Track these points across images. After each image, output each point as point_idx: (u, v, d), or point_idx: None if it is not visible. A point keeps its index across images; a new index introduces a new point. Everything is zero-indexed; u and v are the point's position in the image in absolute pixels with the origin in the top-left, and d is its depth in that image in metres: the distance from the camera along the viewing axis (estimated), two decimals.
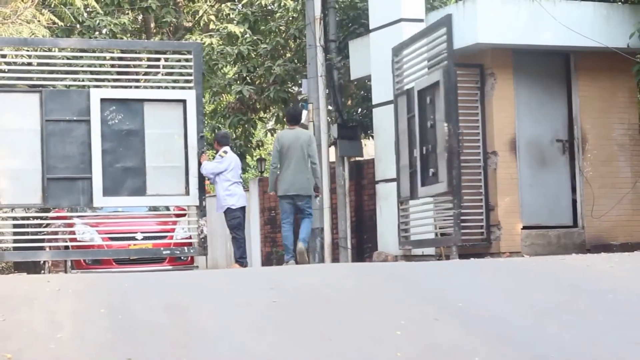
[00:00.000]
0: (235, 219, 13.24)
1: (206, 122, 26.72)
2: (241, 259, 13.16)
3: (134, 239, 14.57)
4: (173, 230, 15.30)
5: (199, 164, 12.94)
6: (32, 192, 12.41)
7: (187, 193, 12.93)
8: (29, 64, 13.75)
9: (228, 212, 13.27)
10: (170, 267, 14.93)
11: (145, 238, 14.67)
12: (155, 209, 15.96)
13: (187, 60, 13.39)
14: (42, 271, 15.24)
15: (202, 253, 13.37)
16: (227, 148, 13.51)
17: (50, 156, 12.51)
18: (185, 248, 13.60)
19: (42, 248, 14.02)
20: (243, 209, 13.36)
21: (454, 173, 12.15)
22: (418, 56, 13.42)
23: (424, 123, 12.89)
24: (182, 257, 15.19)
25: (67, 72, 13.29)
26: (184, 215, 15.55)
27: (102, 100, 12.68)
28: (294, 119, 13.31)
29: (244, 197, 13.44)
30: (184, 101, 12.87)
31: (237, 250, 13.25)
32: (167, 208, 16.18)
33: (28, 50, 13.31)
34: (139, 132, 12.80)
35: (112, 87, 13.29)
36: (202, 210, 13.13)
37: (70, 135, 12.61)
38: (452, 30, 12.37)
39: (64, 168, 12.57)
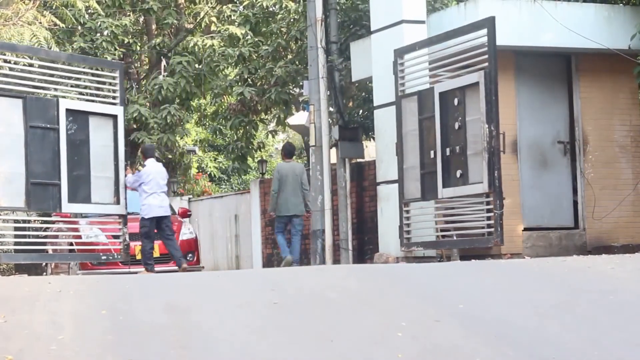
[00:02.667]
0: (142, 228, 14.02)
1: (207, 123, 26.79)
2: (146, 266, 13.94)
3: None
4: (179, 230, 15.54)
5: (125, 175, 13.77)
6: (16, 196, 12.65)
7: (118, 202, 13.69)
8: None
9: (141, 220, 14.09)
10: (176, 267, 15.10)
11: None
12: None
13: (113, 77, 13.97)
14: (44, 273, 15.25)
15: (126, 259, 13.92)
16: (149, 160, 14.32)
17: (33, 161, 12.81)
18: (115, 253, 13.90)
19: (44, 250, 14.18)
20: (161, 218, 14.05)
21: (496, 174, 12.19)
22: (431, 58, 13.43)
23: (446, 124, 12.91)
24: (188, 258, 15.44)
25: (10, 77, 13.33)
26: (189, 216, 16.59)
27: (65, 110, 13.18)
28: (289, 154, 15.19)
29: (160, 207, 14.04)
30: (115, 116, 13.65)
31: (143, 256, 14.06)
32: (172, 210, 16.54)
33: None
34: (87, 143, 13.41)
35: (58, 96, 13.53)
36: (125, 219, 13.77)
37: (46, 141, 12.96)
38: (495, 31, 12.35)
39: (42, 173, 12.91)
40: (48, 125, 12.95)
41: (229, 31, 21.40)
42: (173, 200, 21.80)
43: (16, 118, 12.68)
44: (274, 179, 14.89)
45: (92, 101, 13.93)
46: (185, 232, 15.77)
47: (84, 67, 14.14)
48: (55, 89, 13.57)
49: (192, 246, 15.86)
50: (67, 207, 13.13)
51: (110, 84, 13.91)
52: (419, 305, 8.00)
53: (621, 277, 9.10)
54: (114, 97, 13.82)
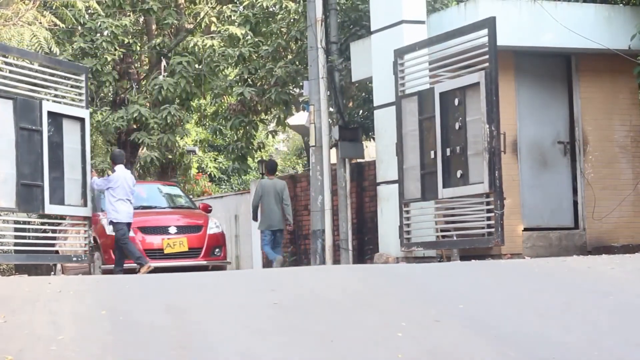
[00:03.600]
0: (119, 231, 14.14)
1: (207, 124, 26.78)
2: (139, 261, 13.98)
3: (167, 232, 15.18)
4: (206, 224, 15.59)
5: (91, 178, 14.13)
6: (8, 197, 12.70)
7: (85, 205, 13.96)
8: None
9: (113, 224, 14.22)
10: (204, 262, 15.24)
11: (178, 232, 15.16)
12: (180, 206, 16.67)
13: (79, 81, 14.12)
14: (52, 273, 15.20)
15: (91, 261, 14.09)
16: (118, 166, 14.45)
17: (22, 162, 12.86)
18: (82, 255, 14.04)
19: (53, 251, 14.29)
20: (128, 224, 14.26)
21: (497, 174, 12.21)
22: (431, 58, 13.45)
23: (447, 124, 12.92)
24: (215, 253, 15.53)
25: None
26: (210, 211, 16.74)
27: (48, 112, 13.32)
28: (272, 170, 16.24)
29: (128, 214, 14.20)
30: (82, 119, 13.93)
31: (132, 256, 14.07)
32: (193, 204, 16.66)
33: None
34: (61, 145, 13.57)
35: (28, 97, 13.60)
36: (90, 221, 14.12)
37: (31, 143, 13.04)
38: (495, 32, 12.38)
39: (29, 174, 12.98)
40: (33, 127, 13.05)
41: (229, 31, 21.38)
42: None
43: (7, 119, 12.71)
44: (255, 194, 15.87)
45: (69, 104, 14.06)
46: (212, 227, 15.79)
47: (54, 69, 14.22)
48: (32, 91, 13.62)
49: (220, 241, 15.85)
50: (49, 208, 13.25)
51: (77, 87, 14.04)
52: (419, 305, 8.00)
53: (621, 278, 9.10)
54: (80, 100, 13.98)
